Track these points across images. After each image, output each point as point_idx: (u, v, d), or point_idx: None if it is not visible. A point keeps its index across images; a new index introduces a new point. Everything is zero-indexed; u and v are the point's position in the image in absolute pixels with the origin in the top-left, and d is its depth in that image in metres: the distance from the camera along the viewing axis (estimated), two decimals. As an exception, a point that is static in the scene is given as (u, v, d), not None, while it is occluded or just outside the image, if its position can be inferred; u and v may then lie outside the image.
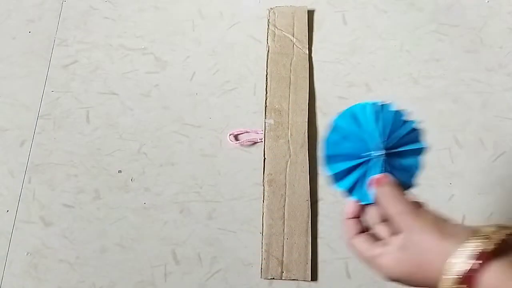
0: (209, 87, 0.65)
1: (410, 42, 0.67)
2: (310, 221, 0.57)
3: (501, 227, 0.29)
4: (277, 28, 0.66)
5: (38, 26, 0.69)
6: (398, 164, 0.41)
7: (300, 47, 0.65)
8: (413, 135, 0.43)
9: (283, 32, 0.66)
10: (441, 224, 0.31)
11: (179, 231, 0.58)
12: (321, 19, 0.69)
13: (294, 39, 0.66)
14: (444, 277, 0.29)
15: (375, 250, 0.35)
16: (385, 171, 0.40)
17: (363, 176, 0.40)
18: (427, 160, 0.60)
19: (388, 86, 0.65)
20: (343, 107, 0.63)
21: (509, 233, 0.29)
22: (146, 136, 0.63)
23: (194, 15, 0.69)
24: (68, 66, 0.67)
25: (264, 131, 0.61)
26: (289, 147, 0.60)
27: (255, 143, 0.62)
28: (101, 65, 0.67)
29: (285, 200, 0.58)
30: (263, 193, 0.59)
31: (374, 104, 0.42)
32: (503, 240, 0.29)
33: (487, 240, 0.29)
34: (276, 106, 0.62)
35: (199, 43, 0.68)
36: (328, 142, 0.41)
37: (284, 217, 0.57)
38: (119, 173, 0.61)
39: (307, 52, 0.66)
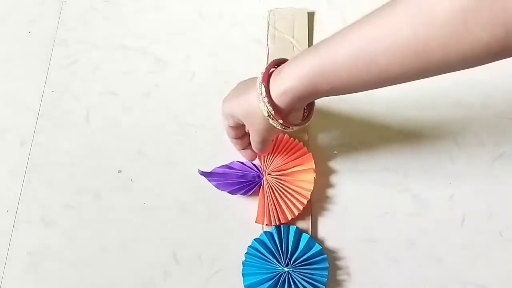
0: (209, 87, 0.65)
1: (410, 42, 0.67)
2: (309, 221, 0.57)
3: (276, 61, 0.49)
4: (277, 30, 0.66)
5: (38, 26, 0.69)
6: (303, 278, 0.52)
7: (300, 48, 0.65)
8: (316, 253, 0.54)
9: (283, 34, 0.66)
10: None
11: (179, 231, 0.58)
12: (321, 20, 0.69)
13: (294, 41, 0.66)
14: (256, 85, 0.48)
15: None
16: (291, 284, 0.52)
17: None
18: (428, 160, 0.60)
19: (388, 86, 0.64)
20: (343, 107, 0.63)
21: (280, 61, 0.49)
22: (146, 136, 0.63)
23: (194, 15, 0.69)
24: (68, 66, 0.67)
25: (264, 131, 0.61)
26: (289, 147, 0.60)
27: (255, 143, 0.62)
28: (101, 65, 0.67)
29: (285, 199, 0.58)
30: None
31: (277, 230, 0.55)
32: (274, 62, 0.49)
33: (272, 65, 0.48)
34: (276, 106, 0.62)
35: (199, 43, 0.68)
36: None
37: (284, 217, 0.57)
38: (119, 173, 0.61)
39: (307, 53, 0.66)
